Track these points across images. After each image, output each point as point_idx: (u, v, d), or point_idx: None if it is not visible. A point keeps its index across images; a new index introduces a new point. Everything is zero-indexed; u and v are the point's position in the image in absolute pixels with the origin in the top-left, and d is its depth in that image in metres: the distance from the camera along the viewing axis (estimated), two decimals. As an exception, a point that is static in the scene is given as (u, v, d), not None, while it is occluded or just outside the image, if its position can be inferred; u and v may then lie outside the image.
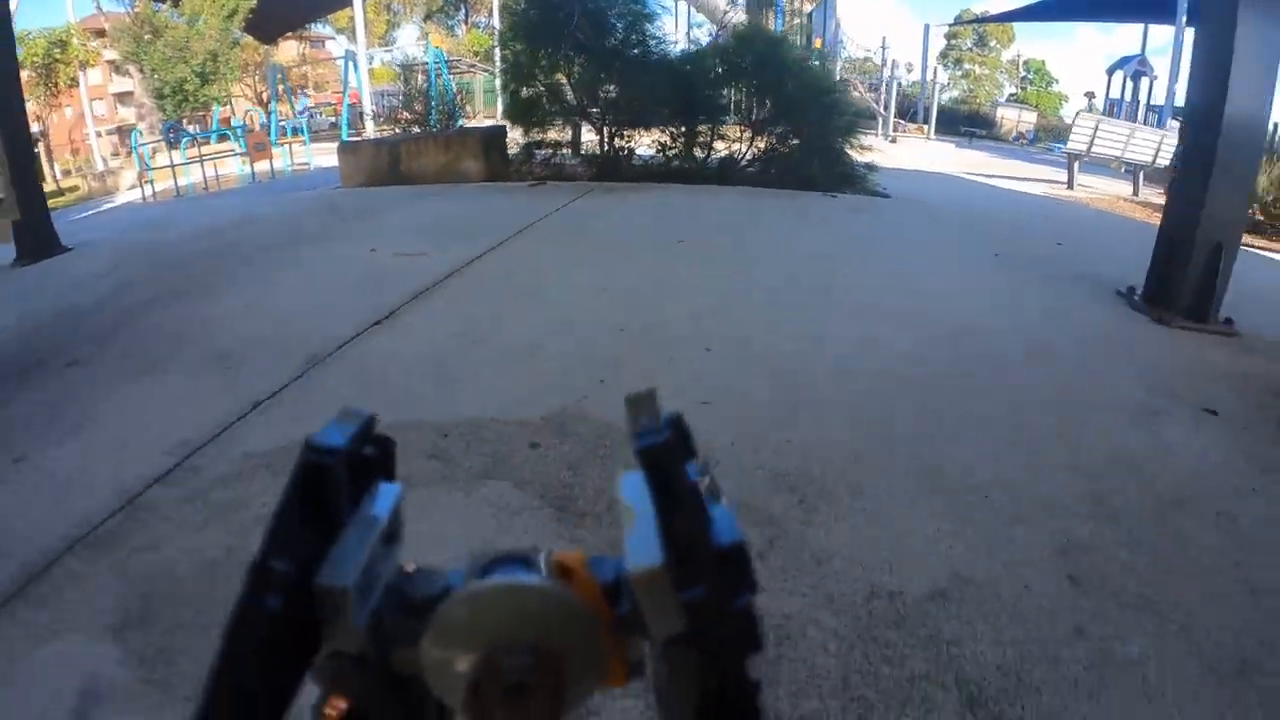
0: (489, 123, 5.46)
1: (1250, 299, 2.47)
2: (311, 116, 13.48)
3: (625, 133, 4.96)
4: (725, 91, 4.85)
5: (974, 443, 1.40)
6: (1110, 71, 12.45)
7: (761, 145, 4.86)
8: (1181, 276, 2.33)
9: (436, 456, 1.30)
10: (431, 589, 0.21)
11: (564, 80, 4.91)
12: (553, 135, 5.16)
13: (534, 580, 0.20)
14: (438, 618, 0.20)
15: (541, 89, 4.92)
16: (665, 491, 0.19)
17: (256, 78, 16.49)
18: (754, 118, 4.85)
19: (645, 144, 5.05)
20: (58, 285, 2.70)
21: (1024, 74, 28.78)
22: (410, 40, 23.33)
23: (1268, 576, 1.07)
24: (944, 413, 1.52)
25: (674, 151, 4.85)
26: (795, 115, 4.59)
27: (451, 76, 11.46)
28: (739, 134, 4.92)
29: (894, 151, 8.48)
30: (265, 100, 14.56)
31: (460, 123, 5.90)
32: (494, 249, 2.64)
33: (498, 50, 6.14)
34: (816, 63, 6.32)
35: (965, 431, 1.45)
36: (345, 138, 13.08)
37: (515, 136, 5.22)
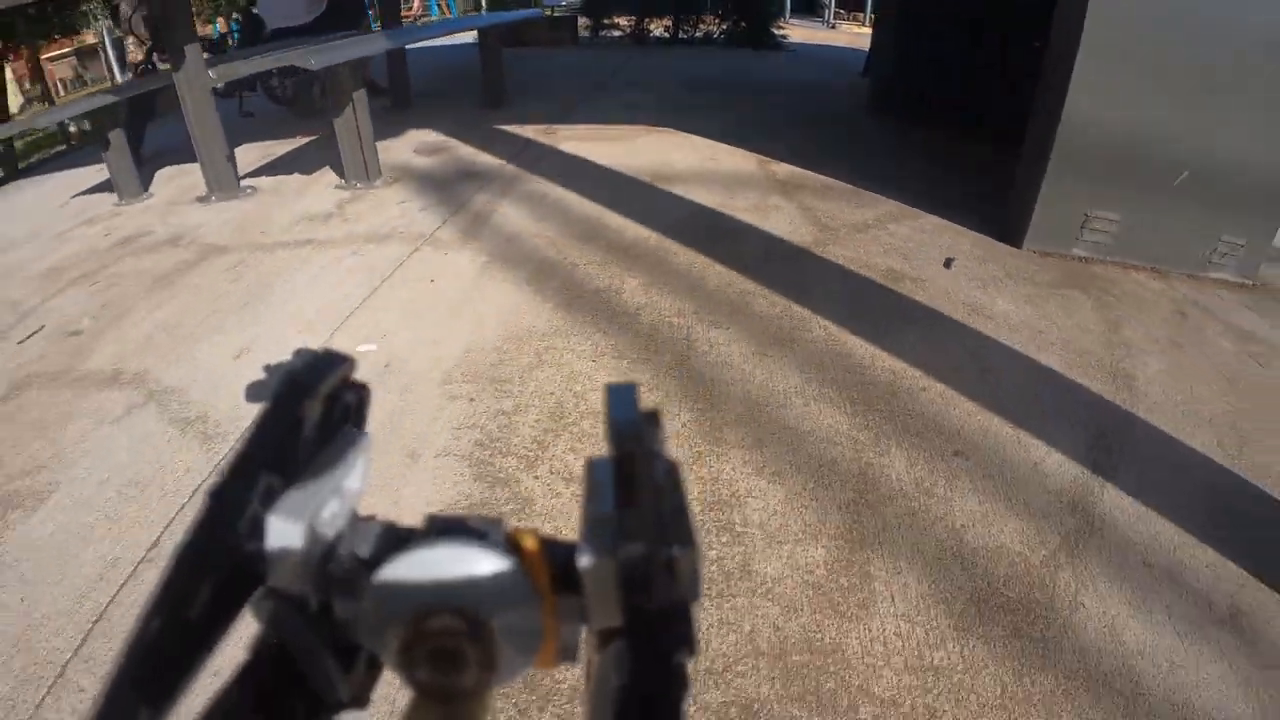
0: (568, 12, 9.67)
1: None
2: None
3: (647, 19, 9.29)
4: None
5: (782, 91, 6.05)
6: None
7: (724, 27, 9.27)
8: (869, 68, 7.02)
9: (645, 92, 5.85)
10: (382, 543, 0.22)
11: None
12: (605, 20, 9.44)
13: (484, 550, 0.21)
14: (382, 572, 0.21)
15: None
16: (629, 489, 0.20)
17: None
18: (720, 12, 9.26)
19: (658, 27, 9.39)
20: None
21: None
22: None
23: (817, 114, 5.79)
24: (768, 94, 6.18)
25: (674, 30, 9.25)
26: (742, 10, 9.04)
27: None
28: (712, 21, 9.31)
29: (827, 35, 12.79)
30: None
31: (546, 10, 10.08)
32: (626, 63, 7.08)
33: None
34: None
35: (777, 90, 6.11)
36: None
37: (583, 21, 9.48)
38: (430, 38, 4.15)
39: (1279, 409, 1.81)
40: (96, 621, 1.25)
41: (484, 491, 1.52)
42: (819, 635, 1.21)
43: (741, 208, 2.95)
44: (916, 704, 1.11)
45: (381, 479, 1.53)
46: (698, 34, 9.27)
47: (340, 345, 1.58)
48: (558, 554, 0.22)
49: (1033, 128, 2.57)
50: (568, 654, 0.22)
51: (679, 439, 1.66)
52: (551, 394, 1.82)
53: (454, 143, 3.90)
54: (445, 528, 0.22)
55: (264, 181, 3.41)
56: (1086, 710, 1.10)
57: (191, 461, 1.61)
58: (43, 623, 1.26)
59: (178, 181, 3.51)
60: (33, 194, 3.74)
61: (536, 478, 1.56)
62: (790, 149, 3.68)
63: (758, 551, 1.37)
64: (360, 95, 3.01)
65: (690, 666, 0.19)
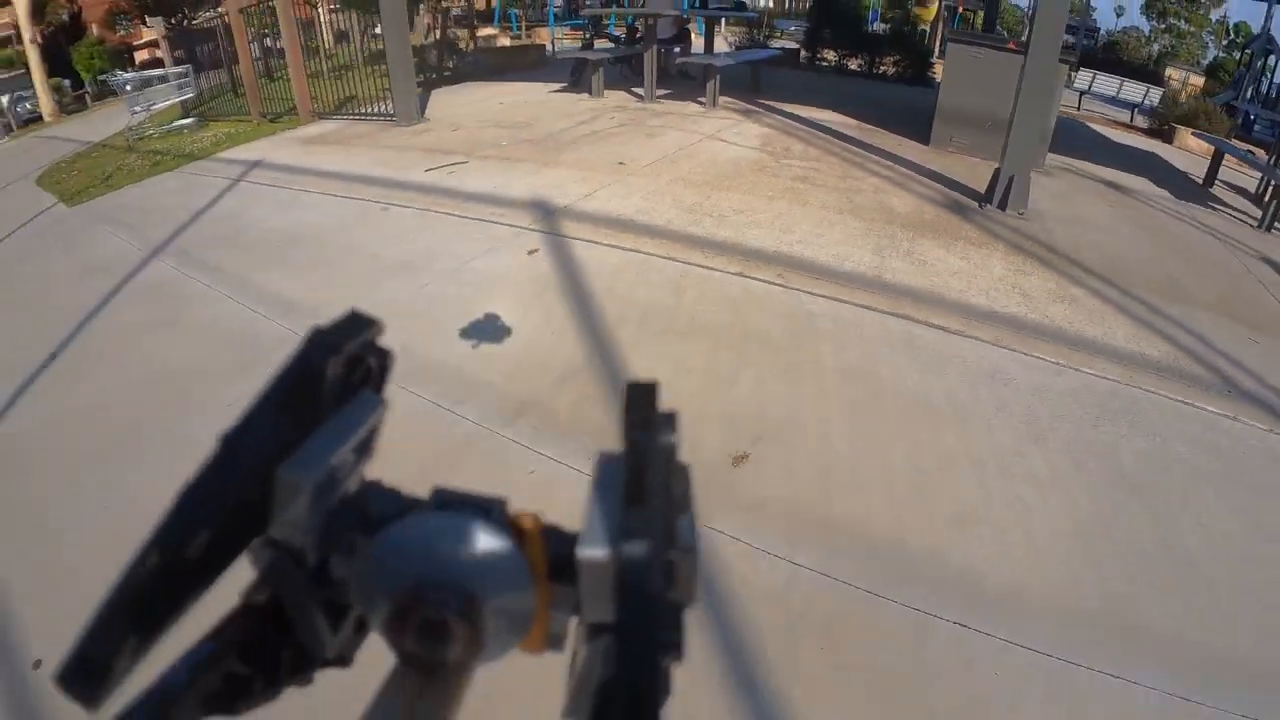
0: (792, 45, 15.78)
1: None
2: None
3: (847, 57, 15.11)
4: (886, 46, 14.86)
5: (902, 107, 11.63)
6: (1244, 48, 15.23)
7: (898, 68, 14.79)
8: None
9: (832, 97, 11.68)
10: (386, 508, 0.23)
11: (829, 33, 15.16)
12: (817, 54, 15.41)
13: (485, 528, 0.22)
14: (382, 536, 0.22)
15: (819, 38, 15.20)
16: (637, 487, 0.21)
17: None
18: (895, 57, 14.83)
19: (854, 62, 15.13)
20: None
21: (1230, 38, 31.17)
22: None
23: (904, 116, 11.30)
24: (892, 109, 11.78)
25: (859, 65, 15.00)
26: (911, 57, 14.56)
27: None
28: (890, 61, 14.88)
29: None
30: None
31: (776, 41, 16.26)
32: (825, 84, 12.97)
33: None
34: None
35: (901, 107, 11.69)
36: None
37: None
38: (750, 59, 10.48)
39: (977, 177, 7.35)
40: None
41: (759, 151, 7.60)
42: (777, 150, 7.16)
43: (841, 129, 8.82)
44: (807, 169, 6.99)
45: (747, 143, 7.62)
46: (880, 70, 14.88)
47: (725, 138, 8.35)
48: (558, 542, 0.23)
49: (936, 108, 8.19)
50: (555, 642, 0.23)
51: (798, 140, 7.61)
52: (782, 140, 7.92)
53: (739, 102, 10.10)
54: (449, 501, 0.23)
55: (666, 101, 9.77)
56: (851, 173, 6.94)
57: (712, 148, 7.81)
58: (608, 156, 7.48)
59: (611, 95, 9.96)
60: (514, 89, 10.44)
61: (770, 148, 7.63)
62: (876, 121, 9.44)
63: (789, 145, 7.29)
64: (717, 75, 9.27)
65: (675, 671, 0.20)
